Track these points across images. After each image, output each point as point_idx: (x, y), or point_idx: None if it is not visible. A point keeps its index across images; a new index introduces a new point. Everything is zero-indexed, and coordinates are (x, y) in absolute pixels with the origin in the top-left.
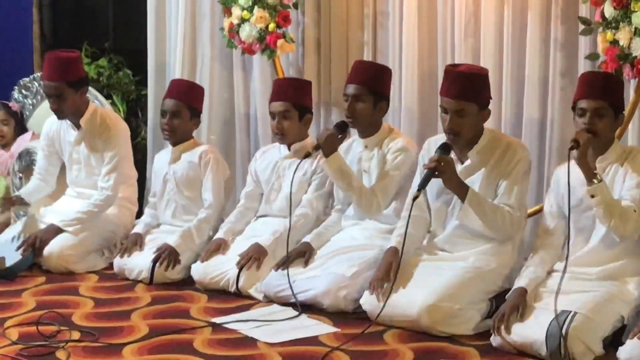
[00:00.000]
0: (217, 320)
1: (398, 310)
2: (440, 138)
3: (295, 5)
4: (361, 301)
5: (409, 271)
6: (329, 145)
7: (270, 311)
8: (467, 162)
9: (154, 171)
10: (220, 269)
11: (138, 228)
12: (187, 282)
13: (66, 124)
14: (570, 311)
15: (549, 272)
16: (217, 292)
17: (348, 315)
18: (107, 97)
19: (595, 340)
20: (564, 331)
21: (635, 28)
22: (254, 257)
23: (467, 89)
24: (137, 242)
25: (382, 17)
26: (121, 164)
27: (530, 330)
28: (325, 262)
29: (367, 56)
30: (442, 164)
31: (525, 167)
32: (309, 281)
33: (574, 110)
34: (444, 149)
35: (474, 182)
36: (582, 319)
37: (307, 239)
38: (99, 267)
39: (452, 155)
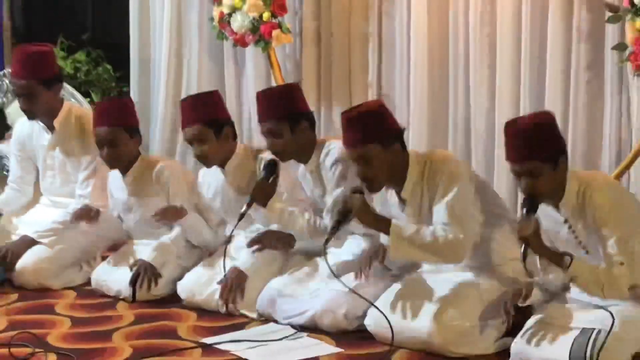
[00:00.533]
0: (208, 340)
1: (407, 332)
2: None
3: None
4: (366, 322)
5: (414, 288)
6: (261, 196)
7: (266, 330)
8: (407, 206)
9: (110, 193)
10: (208, 288)
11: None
12: (174, 298)
13: (38, 125)
14: (594, 329)
15: (565, 288)
16: (207, 310)
17: (351, 334)
18: (85, 94)
19: (626, 358)
20: (588, 351)
21: None
22: (235, 285)
23: (362, 132)
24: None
25: (388, 4)
26: (100, 169)
27: (552, 351)
28: (326, 282)
29: (373, 48)
30: (347, 202)
31: (450, 178)
32: (306, 301)
33: None
34: (354, 191)
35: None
36: (610, 336)
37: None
38: (76, 283)
39: (395, 203)
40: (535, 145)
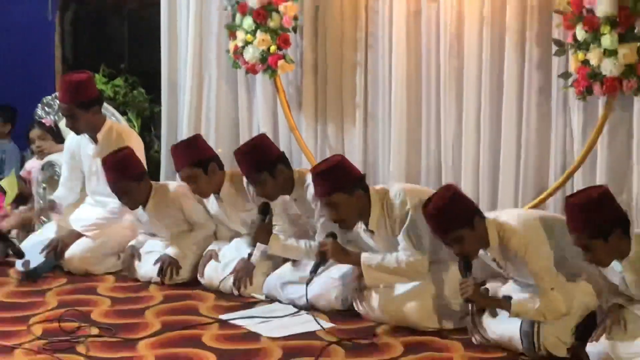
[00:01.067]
0: (224, 317)
1: (387, 310)
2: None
3: (295, 29)
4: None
5: None
6: (262, 236)
7: (272, 309)
8: (375, 234)
9: (138, 219)
10: (221, 275)
11: (134, 241)
12: (196, 282)
13: (85, 138)
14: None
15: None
16: (223, 292)
17: (343, 313)
18: (123, 113)
19: (565, 331)
20: (535, 326)
21: (605, 49)
22: (244, 275)
23: (327, 184)
24: (134, 255)
25: (373, 39)
26: None
27: (506, 327)
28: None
29: (360, 75)
30: (323, 246)
31: (401, 209)
32: (303, 287)
33: None
34: (328, 235)
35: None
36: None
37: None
38: (115, 269)
39: (366, 233)
40: (450, 217)
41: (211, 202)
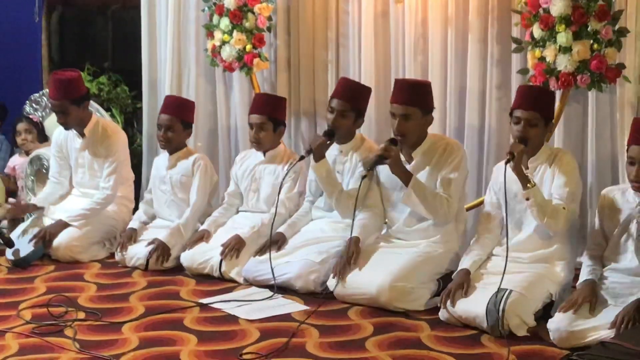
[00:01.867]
0: (204, 300)
1: (360, 290)
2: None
3: (269, 29)
4: (328, 283)
5: (369, 256)
6: (319, 152)
7: (249, 292)
8: (413, 162)
9: (153, 172)
10: (205, 256)
11: (133, 224)
12: (178, 269)
13: (72, 132)
14: (507, 289)
15: (489, 256)
16: (203, 277)
17: (317, 296)
18: (107, 109)
19: (528, 314)
20: (501, 307)
21: (560, 46)
22: (235, 247)
23: (411, 96)
24: (131, 237)
25: (343, 38)
26: (120, 167)
27: (473, 306)
28: (298, 250)
29: (331, 73)
30: (388, 151)
31: (459, 162)
32: (283, 267)
33: (511, 116)
34: (391, 142)
35: (420, 178)
36: (517, 296)
37: (280, 229)
38: (101, 257)
39: (402, 157)
40: (541, 101)
41: (241, 164)
